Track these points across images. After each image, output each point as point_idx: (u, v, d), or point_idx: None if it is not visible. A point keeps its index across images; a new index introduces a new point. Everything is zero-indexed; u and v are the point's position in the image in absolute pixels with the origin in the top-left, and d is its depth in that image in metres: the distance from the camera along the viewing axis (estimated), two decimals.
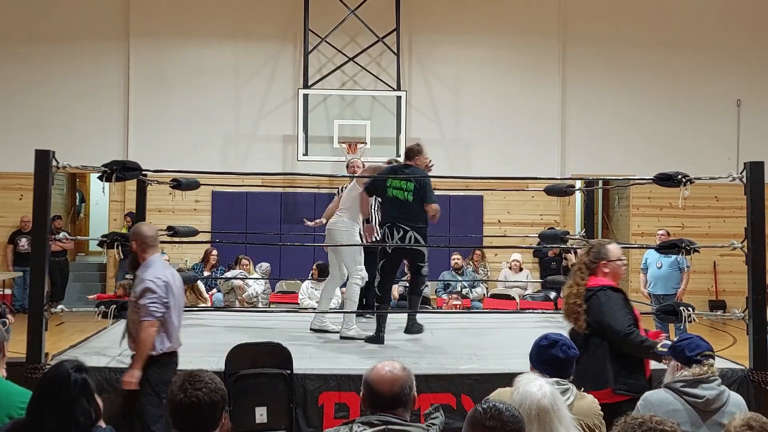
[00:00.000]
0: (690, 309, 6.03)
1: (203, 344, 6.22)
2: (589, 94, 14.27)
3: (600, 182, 11.84)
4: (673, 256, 9.15)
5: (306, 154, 13.16)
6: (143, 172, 6.55)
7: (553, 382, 3.06)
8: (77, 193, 17.30)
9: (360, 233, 7.27)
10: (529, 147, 14.01)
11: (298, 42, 13.86)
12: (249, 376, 5.17)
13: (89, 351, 6.00)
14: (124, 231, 11.16)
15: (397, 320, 7.48)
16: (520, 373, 2.97)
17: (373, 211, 7.65)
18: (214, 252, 12.01)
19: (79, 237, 15.95)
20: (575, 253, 9.54)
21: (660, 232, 10.14)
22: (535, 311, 10.13)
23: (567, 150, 14.11)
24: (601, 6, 14.50)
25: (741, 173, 5.82)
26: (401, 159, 8.72)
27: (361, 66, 13.85)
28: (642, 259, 10.19)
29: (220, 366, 5.14)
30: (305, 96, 13.28)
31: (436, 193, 12.64)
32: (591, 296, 4.39)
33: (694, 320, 6.00)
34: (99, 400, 2.91)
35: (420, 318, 8.39)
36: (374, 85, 13.90)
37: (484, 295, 12.08)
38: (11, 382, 3.42)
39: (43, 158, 5.48)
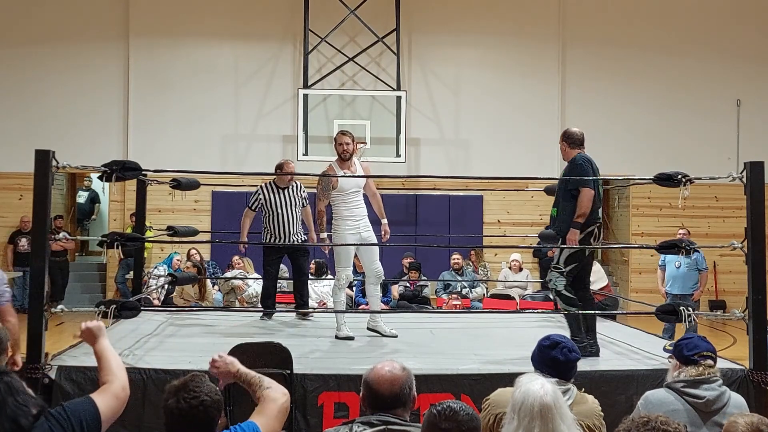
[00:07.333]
0: (690, 309, 6.02)
1: (203, 344, 6.22)
2: (588, 93, 14.26)
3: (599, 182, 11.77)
4: (693, 256, 9.08)
5: (306, 154, 13.15)
6: (143, 172, 6.54)
7: (554, 382, 3.05)
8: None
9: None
10: (528, 147, 14.00)
11: (298, 42, 13.86)
12: None
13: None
14: (129, 230, 11.16)
15: (395, 321, 7.48)
16: (520, 373, 2.96)
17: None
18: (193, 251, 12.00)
19: (78, 237, 15.96)
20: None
21: (681, 231, 10.02)
22: (535, 311, 10.11)
23: None
24: (601, 6, 14.50)
25: (741, 173, 5.81)
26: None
27: (360, 66, 13.84)
28: (659, 258, 10.01)
29: None
30: (305, 96, 13.27)
31: (437, 192, 12.76)
32: None
33: (693, 320, 5.98)
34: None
35: (420, 318, 8.41)
36: (374, 85, 13.89)
37: (484, 295, 12.06)
38: None
39: (43, 158, 5.47)
